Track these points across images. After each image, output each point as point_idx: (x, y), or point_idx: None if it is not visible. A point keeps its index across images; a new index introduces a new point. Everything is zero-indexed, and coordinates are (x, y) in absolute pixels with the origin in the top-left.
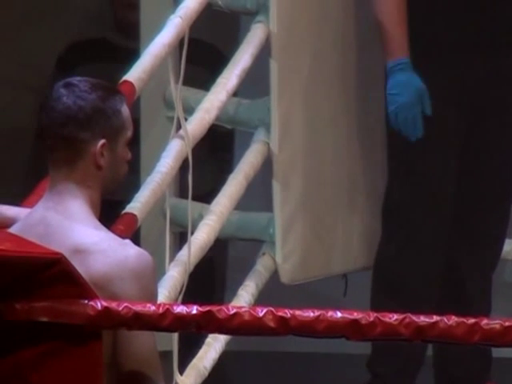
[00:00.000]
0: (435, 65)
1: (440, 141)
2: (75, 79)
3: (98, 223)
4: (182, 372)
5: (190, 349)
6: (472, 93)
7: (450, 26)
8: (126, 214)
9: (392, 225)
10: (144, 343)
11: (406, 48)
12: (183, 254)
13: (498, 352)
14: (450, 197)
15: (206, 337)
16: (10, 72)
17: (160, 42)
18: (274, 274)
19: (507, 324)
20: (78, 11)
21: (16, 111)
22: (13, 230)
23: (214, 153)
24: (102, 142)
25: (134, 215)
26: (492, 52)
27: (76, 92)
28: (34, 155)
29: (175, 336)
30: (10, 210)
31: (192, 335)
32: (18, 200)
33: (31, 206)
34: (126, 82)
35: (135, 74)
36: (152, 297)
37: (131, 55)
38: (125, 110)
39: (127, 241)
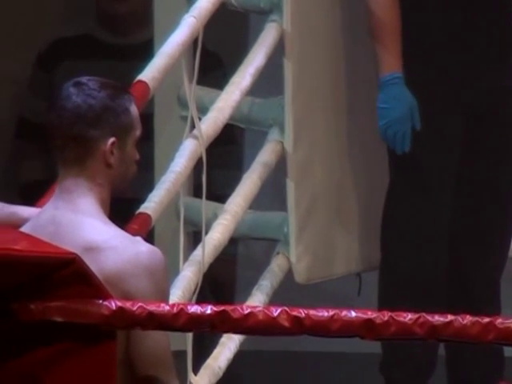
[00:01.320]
0: (436, 71)
1: (440, 146)
2: (84, 78)
3: (108, 220)
4: (196, 372)
5: (204, 348)
6: (472, 100)
7: (450, 32)
8: (140, 213)
9: (392, 231)
10: (157, 342)
11: (400, 63)
12: (197, 253)
13: (511, 351)
14: (450, 202)
15: (220, 336)
16: None
17: (174, 41)
18: (288, 274)
19: None
20: (60, 6)
21: None
22: (23, 229)
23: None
24: (112, 139)
25: (148, 215)
26: (493, 60)
27: (85, 91)
28: (13, 150)
29: (189, 336)
30: (25, 211)
31: (206, 335)
32: None
33: None
34: (140, 81)
35: (149, 73)
36: (164, 293)
37: (116, 51)
38: (133, 110)
39: (138, 238)
